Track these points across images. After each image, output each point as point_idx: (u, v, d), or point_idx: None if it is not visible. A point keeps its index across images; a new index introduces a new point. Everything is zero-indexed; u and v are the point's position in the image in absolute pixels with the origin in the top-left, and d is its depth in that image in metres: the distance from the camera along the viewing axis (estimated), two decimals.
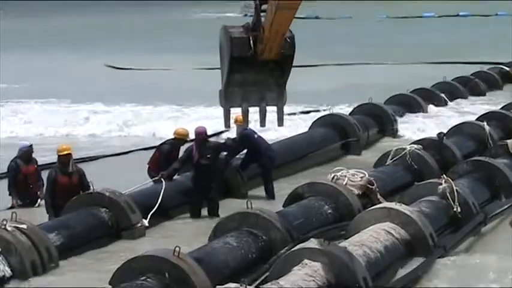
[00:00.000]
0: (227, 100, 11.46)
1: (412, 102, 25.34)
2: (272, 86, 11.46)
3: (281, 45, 11.04)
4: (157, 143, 17.09)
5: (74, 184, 14.11)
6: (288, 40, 11.13)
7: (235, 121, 16.24)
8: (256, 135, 16.36)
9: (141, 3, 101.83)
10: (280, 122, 11.81)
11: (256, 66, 11.15)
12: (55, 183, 14.04)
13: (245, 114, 11.57)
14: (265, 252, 11.49)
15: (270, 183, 16.22)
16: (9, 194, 15.30)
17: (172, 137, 16.32)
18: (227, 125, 11.78)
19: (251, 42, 11.01)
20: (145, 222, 13.64)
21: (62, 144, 14.62)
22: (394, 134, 22.33)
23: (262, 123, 11.66)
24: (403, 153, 16.40)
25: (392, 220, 11.97)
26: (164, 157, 15.94)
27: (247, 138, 16.24)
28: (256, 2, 11.16)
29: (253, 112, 11.79)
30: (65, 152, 14.16)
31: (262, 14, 11.13)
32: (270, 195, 16.03)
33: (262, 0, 11.06)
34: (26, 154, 15.32)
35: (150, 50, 49.29)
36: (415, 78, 30.94)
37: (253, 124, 13.13)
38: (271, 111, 11.77)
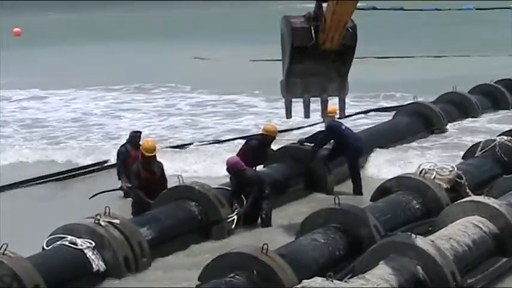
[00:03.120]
0: (288, 91, 11.35)
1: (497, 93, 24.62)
2: (334, 77, 11.29)
3: (342, 35, 10.84)
4: None
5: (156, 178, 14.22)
6: (350, 30, 10.93)
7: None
8: (344, 127, 16.37)
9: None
10: (342, 112, 11.71)
11: (317, 56, 10.97)
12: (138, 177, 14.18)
13: (306, 105, 11.41)
14: (352, 249, 11.44)
15: (358, 175, 16.16)
16: (119, 178, 15.63)
17: (261, 132, 16.49)
18: (289, 116, 11.59)
19: (312, 32, 10.81)
20: (235, 216, 13.64)
21: (147, 143, 14.47)
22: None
23: (323, 114, 11.57)
24: (492, 144, 16.22)
25: (481, 213, 11.86)
26: (252, 153, 16.08)
27: (334, 130, 16.23)
28: None
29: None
30: (148, 154, 14.10)
31: (324, 4, 10.87)
32: (357, 189, 15.97)
33: None
34: (134, 139, 15.57)
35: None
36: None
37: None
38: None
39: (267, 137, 16.00)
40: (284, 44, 11.29)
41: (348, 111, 16.44)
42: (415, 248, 10.15)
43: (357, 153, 16.35)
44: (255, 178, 14.09)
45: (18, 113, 27.37)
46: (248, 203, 13.78)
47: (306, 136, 17.58)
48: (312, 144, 16.50)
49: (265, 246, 10.04)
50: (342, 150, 16.26)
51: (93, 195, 15.27)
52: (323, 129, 16.97)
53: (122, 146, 15.95)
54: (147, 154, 14.10)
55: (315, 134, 17.41)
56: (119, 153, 15.85)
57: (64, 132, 23.74)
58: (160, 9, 79.18)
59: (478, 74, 27.67)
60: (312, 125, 20.88)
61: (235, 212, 13.66)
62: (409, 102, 22.29)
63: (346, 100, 11.84)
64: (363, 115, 24.36)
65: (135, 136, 15.70)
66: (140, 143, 15.27)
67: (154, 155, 14.21)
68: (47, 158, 20.13)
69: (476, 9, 73.89)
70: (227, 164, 14.19)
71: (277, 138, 16.03)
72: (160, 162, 14.51)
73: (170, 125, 24.54)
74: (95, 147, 20.87)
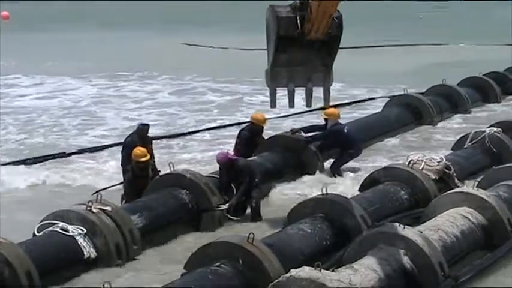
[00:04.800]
0: (273, 80, 11.34)
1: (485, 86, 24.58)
2: (319, 67, 11.28)
3: (328, 25, 10.80)
4: None
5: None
6: (336, 20, 10.88)
7: (326, 114, 16.42)
8: (346, 130, 16.49)
9: None
10: (326, 102, 11.71)
11: (302, 46, 10.93)
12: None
13: (291, 94, 11.41)
14: (339, 239, 11.49)
15: (341, 165, 16.41)
16: (123, 170, 15.16)
17: (250, 121, 16.58)
18: (273, 105, 11.57)
19: (298, 22, 10.77)
20: (225, 205, 13.68)
21: (138, 150, 14.26)
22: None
23: (308, 103, 11.52)
24: (481, 136, 16.31)
25: (470, 205, 11.94)
26: (244, 143, 16.17)
27: (337, 134, 16.37)
28: None
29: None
30: (143, 159, 14.07)
31: None
32: (335, 171, 16.19)
33: None
34: (142, 132, 15.41)
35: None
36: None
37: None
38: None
39: (256, 126, 16.10)
40: (269, 33, 11.28)
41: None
42: (403, 239, 10.20)
43: (357, 154, 16.53)
44: (246, 167, 14.16)
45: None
46: (240, 192, 13.84)
47: (301, 127, 17.58)
48: (306, 135, 16.59)
49: (251, 236, 10.09)
50: (339, 147, 16.39)
51: (96, 192, 14.95)
52: (321, 123, 17.02)
53: (129, 136, 15.70)
54: (141, 160, 14.04)
55: (312, 126, 17.44)
56: (125, 145, 15.55)
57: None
58: None
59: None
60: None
61: (228, 203, 13.71)
62: (399, 94, 22.34)
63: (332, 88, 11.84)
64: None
65: (143, 129, 15.51)
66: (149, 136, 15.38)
67: (148, 160, 14.20)
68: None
69: None
70: (217, 158, 14.26)
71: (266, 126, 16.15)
72: (153, 164, 14.59)
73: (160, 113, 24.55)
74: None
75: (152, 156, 15.09)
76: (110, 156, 18.44)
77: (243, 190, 13.85)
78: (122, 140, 16.38)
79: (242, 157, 14.89)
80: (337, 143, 16.47)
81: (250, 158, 15.57)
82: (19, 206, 14.94)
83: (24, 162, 17.95)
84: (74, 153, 18.83)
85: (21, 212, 14.39)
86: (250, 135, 16.27)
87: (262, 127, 16.46)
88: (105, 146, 19.56)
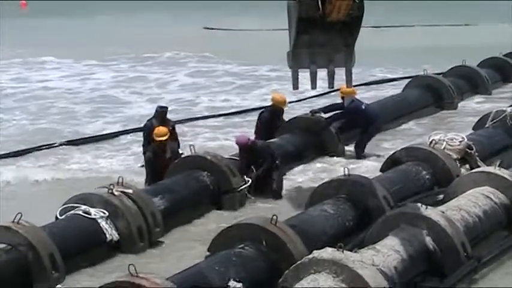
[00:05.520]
0: (295, 62, 11.27)
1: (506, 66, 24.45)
2: (340, 48, 11.20)
3: (350, 6, 10.68)
4: None
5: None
6: (357, 1, 10.73)
7: (342, 92, 16.36)
8: (363, 106, 16.43)
9: None
10: (349, 83, 11.70)
11: (324, 27, 10.84)
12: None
13: (313, 76, 11.35)
14: (362, 220, 11.50)
15: (364, 147, 16.43)
16: (144, 152, 15.13)
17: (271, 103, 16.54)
18: (295, 86, 11.51)
19: (319, 3, 10.63)
20: (246, 184, 13.75)
21: (158, 129, 14.45)
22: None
23: (331, 85, 11.46)
24: (503, 115, 16.24)
25: (491, 184, 11.90)
26: (264, 125, 16.14)
27: (355, 112, 16.34)
28: None
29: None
30: (163, 138, 14.22)
31: None
32: (359, 155, 16.24)
33: None
34: (160, 115, 15.25)
35: None
36: None
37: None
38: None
39: (276, 108, 16.06)
40: (291, 16, 11.24)
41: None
42: (425, 219, 10.19)
43: (376, 132, 16.49)
44: (265, 149, 14.17)
45: None
46: (260, 170, 13.90)
47: (321, 107, 17.55)
48: (326, 116, 16.56)
49: (275, 217, 10.10)
50: (359, 126, 16.35)
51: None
52: (337, 103, 16.99)
53: (148, 120, 15.55)
54: (159, 139, 14.15)
55: (331, 105, 17.40)
56: (144, 128, 15.50)
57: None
58: None
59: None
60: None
61: (248, 181, 13.77)
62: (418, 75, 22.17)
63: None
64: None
65: (162, 111, 15.37)
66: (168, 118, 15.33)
67: (167, 139, 14.26)
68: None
69: None
70: (237, 142, 14.31)
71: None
72: (176, 148, 14.64)
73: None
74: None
75: (176, 139, 15.11)
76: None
77: (264, 169, 13.89)
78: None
79: (262, 139, 14.87)
80: (356, 121, 16.42)
81: (271, 140, 15.56)
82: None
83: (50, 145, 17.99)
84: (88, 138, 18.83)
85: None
86: (271, 118, 16.24)
87: (283, 109, 16.42)
88: (123, 131, 19.54)
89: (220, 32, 41.09)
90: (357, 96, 16.92)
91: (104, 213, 11.63)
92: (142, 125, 15.87)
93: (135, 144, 17.69)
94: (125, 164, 16.69)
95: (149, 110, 19.23)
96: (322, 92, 21.28)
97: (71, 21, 46.88)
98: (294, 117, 16.99)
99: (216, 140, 18.62)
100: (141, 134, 15.70)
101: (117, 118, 21.71)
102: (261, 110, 17.61)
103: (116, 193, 11.83)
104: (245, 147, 14.12)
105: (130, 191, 11.98)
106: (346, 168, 12.17)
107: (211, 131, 19.57)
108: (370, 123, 16.34)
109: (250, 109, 21.53)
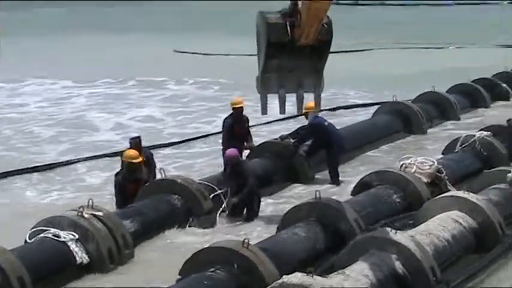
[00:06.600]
0: (264, 86, 11.25)
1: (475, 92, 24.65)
2: (309, 73, 11.19)
3: (318, 31, 10.71)
4: None
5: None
6: (326, 26, 10.79)
7: (306, 108, 16.37)
8: (327, 123, 16.48)
9: None
10: (318, 107, 11.71)
11: (293, 52, 10.85)
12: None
13: (282, 100, 11.31)
14: (333, 243, 11.53)
15: (336, 170, 16.39)
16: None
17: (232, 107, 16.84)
18: (264, 112, 11.47)
19: (288, 27, 10.70)
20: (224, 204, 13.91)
21: (129, 151, 14.37)
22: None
23: (300, 109, 11.50)
24: (472, 140, 16.39)
25: (460, 208, 11.97)
26: (226, 131, 16.39)
27: (318, 128, 16.36)
28: None
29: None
30: (135, 161, 14.10)
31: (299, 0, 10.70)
32: (335, 181, 16.21)
33: None
34: (135, 145, 14.97)
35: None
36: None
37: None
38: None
39: (237, 109, 16.32)
40: (260, 40, 11.27)
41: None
42: (395, 244, 10.21)
43: (340, 151, 16.52)
44: (249, 171, 14.35)
45: None
46: (242, 194, 14.01)
47: (288, 132, 17.58)
48: (293, 140, 16.62)
49: (246, 240, 10.11)
50: (323, 145, 16.39)
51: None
52: (304, 125, 17.05)
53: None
54: (129, 160, 14.07)
55: (296, 130, 17.45)
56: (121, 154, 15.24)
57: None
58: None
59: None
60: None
61: (227, 201, 13.96)
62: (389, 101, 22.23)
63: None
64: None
65: (135, 142, 15.30)
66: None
67: (140, 162, 14.21)
68: None
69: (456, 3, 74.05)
70: (227, 155, 14.45)
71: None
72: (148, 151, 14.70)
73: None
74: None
75: (153, 170, 15.00)
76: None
77: (246, 192, 14.02)
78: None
79: (227, 147, 15.19)
80: (320, 138, 16.39)
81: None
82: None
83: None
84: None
85: None
86: (232, 122, 16.47)
87: (242, 109, 16.57)
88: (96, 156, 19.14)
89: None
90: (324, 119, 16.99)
91: (74, 235, 11.57)
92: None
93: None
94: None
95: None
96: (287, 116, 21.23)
97: (46, 42, 46.69)
98: (264, 142, 17.04)
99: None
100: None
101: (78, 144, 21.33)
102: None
103: (85, 215, 11.79)
104: (233, 161, 14.24)
105: (100, 213, 11.95)
106: (317, 192, 12.19)
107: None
108: (334, 140, 16.33)
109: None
